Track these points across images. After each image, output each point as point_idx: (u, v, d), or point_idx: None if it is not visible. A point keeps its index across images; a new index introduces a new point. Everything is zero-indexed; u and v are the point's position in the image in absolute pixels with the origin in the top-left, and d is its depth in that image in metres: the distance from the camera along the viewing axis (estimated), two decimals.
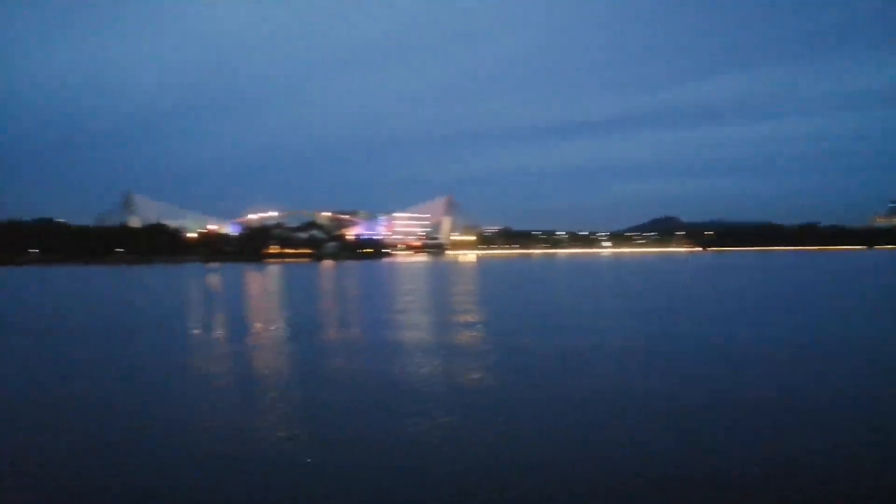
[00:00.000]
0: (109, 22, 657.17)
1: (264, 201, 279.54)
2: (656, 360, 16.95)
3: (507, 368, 16.25)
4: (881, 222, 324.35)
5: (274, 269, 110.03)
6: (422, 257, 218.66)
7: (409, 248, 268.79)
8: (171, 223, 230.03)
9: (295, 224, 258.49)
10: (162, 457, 9.66)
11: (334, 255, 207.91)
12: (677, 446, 9.76)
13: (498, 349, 19.41)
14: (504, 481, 8.45)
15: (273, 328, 26.10)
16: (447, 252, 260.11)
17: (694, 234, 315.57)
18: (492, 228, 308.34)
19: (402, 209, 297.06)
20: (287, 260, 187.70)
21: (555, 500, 7.90)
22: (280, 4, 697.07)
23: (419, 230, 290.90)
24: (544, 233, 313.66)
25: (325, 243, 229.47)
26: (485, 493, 8.10)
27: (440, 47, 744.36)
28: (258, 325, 27.06)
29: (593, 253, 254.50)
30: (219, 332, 25.60)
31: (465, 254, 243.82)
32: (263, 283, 66.09)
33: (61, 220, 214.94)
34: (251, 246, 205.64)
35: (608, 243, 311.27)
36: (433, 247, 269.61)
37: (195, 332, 26.18)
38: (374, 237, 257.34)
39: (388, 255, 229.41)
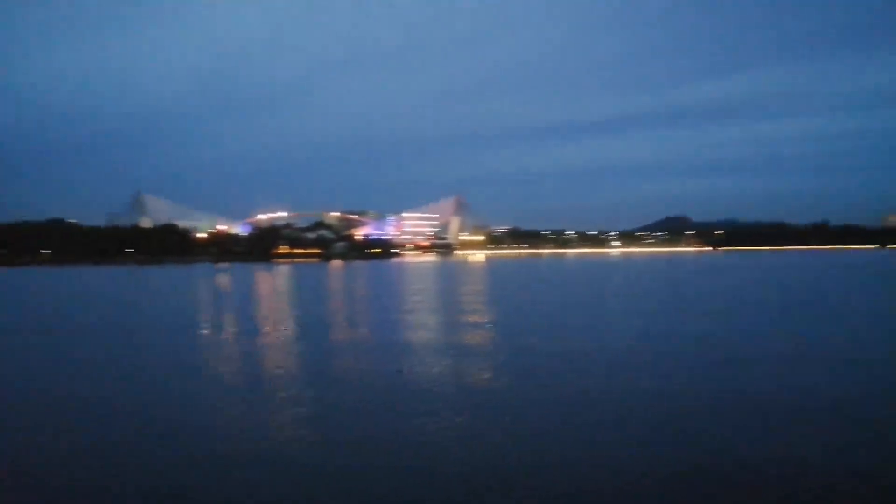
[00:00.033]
0: (122, 25, 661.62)
1: (273, 202, 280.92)
2: (663, 360, 16.90)
3: (515, 368, 16.26)
4: (894, 221, 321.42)
5: (283, 269, 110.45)
6: (430, 257, 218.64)
7: (418, 248, 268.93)
8: (182, 223, 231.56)
9: (304, 224, 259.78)
10: (167, 457, 9.74)
11: (343, 255, 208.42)
12: (684, 446, 9.76)
13: (506, 349, 19.43)
14: (512, 481, 8.47)
15: (282, 328, 26.21)
16: (456, 252, 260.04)
17: (704, 233, 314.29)
18: (500, 228, 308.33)
19: (411, 209, 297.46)
20: (296, 260, 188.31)
21: (563, 500, 7.91)
22: (282, 6, 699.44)
23: (428, 230, 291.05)
24: (553, 233, 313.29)
25: (334, 243, 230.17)
26: (493, 493, 8.13)
27: (443, 48, 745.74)
28: (268, 325, 27.18)
29: (602, 253, 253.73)
30: (229, 332, 25.74)
31: (473, 254, 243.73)
32: (273, 283, 66.34)
33: (73, 220, 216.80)
34: (260, 246, 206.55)
35: (617, 243, 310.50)
36: (442, 247, 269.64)
37: (205, 332, 26.34)
38: (382, 237, 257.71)
39: (396, 255, 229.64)
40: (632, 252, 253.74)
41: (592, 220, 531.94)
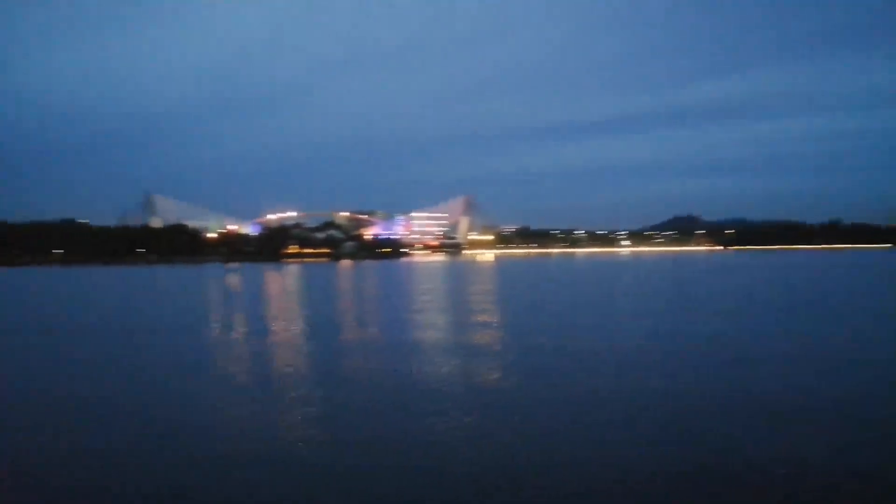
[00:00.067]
0: (122, 25, 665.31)
1: (283, 202, 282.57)
2: (672, 359, 16.87)
3: (524, 368, 16.27)
4: None
5: (292, 269, 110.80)
6: (439, 257, 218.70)
7: (427, 247, 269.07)
8: (192, 223, 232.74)
9: (313, 224, 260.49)
10: (173, 456, 9.80)
11: (352, 255, 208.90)
12: (694, 446, 9.74)
13: (515, 348, 19.44)
14: (521, 481, 8.49)
15: (292, 328, 26.32)
16: (465, 252, 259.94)
17: (714, 232, 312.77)
18: (510, 228, 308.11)
19: (420, 209, 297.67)
20: (305, 260, 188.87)
21: (572, 499, 7.92)
22: (282, 6, 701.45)
23: (437, 230, 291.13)
24: (562, 232, 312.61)
25: (344, 243, 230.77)
26: (502, 492, 8.14)
27: (443, 49, 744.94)
28: (277, 325, 27.30)
29: (612, 252, 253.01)
30: (239, 332, 25.87)
31: (482, 253, 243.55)
32: (282, 283, 66.58)
33: (84, 220, 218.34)
34: (270, 246, 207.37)
35: (627, 242, 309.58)
36: (451, 246, 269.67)
37: (215, 331, 26.48)
38: (391, 237, 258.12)
39: (405, 254, 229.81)
40: (642, 251, 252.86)
41: (594, 220, 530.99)
